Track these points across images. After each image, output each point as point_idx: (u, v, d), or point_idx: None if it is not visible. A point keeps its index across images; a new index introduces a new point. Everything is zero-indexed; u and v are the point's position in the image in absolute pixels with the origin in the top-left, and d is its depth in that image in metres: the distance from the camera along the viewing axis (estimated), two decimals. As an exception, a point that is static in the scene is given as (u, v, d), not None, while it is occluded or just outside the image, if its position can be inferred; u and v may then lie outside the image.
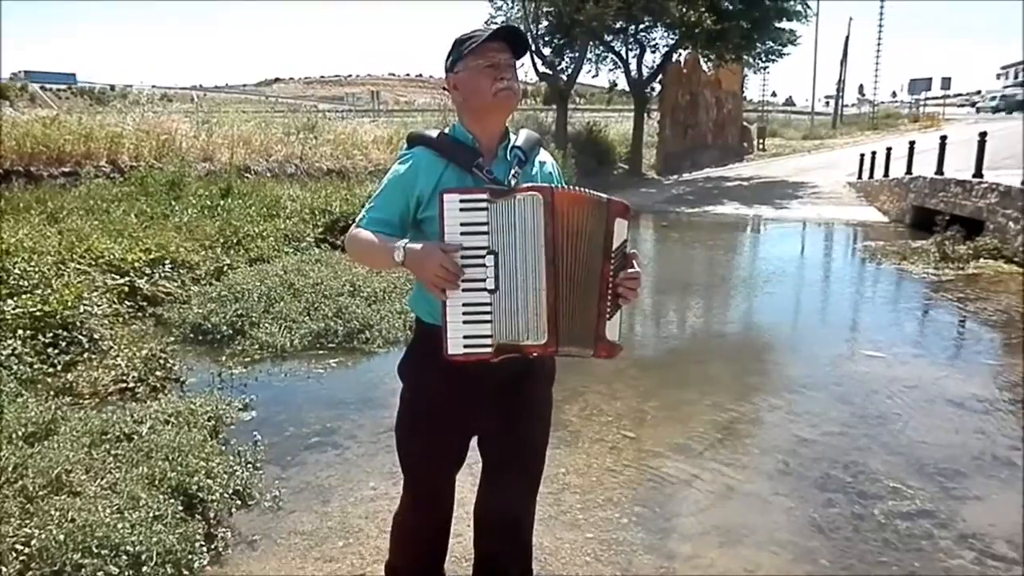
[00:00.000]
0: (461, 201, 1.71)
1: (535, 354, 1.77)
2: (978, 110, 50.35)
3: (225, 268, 6.70)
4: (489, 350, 1.74)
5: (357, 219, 1.91)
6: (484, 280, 1.72)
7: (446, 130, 1.96)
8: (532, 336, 1.74)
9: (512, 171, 1.86)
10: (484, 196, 1.72)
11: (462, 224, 1.71)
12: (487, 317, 1.73)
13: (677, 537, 3.02)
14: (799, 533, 3.06)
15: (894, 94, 75.82)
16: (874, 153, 16.73)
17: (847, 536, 3.03)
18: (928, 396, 4.64)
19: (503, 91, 1.83)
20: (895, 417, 4.31)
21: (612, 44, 21.42)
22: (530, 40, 18.89)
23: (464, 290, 1.71)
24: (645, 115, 22.52)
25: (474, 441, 2.09)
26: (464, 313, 1.71)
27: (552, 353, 1.79)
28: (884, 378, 4.97)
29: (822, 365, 5.33)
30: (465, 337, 1.72)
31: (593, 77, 23.90)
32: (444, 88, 1.97)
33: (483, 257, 1.71)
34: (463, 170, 1.84)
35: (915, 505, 3.26)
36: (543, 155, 2.02)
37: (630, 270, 1.81)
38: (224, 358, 5.06)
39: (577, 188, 1.83)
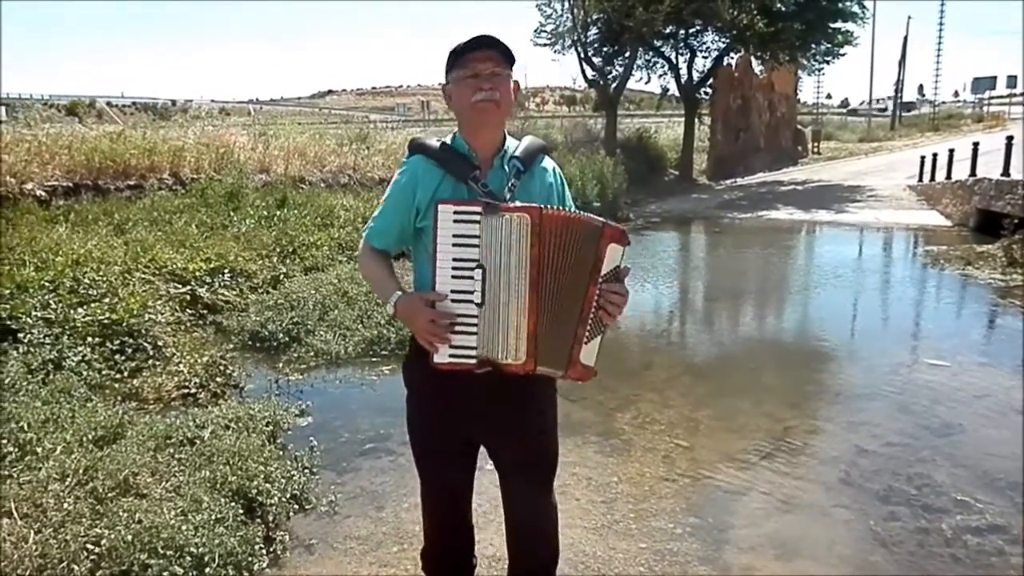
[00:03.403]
0: (455, 213, 1.74)
1: (513, 372, 1.78)
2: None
3: (281, 277, 6.85)
4: (473, 361, 1.78)
5: (364, 228, 2.01)
6: (472, 293, 1.75)
7: (447, 139, 1.97)
8: (512, 355, 1.76)
9: (509, 183, 1.87)
10: (477, 209, 1.74)
11: (454, 236, 1.74)
12: (473, 329, 1.76)
13: (732, 549, 2.98)
14: (860, 547, 2.98)
15: (956, 93, 73.48)
16: (935, 155, 16.20)
17: (911, 551, 2.94)
18: (997, 406, 4.46)
19: (481, 102, 1.82)
20: (961, 428, 4.16)
21: (662, 49, 21.24)
22: (579, 48, 19.10)
23: (454, 301, 1.75)
24: (696, 120, 22.24)
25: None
26: (451, 324, 1.76)
27: (530, 372, 1.79)
28: (949, 387, 4.81)
29: (882, 373, 5.18)
30: (451, 347, 1.77)
31: (646, 84, 23.75)
32: (448, 98, 1.97)
33: (472, 270, 1.74)
34: (458, 181, 1.87)
35: (985, 520, 3.14)
36: (546, 163, 2.02)
37: (614, 285, 1.80)
38: (281, 365, 5.18)
39: (572, 210, 1.84)
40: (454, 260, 1.75)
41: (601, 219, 1.80)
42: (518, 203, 1.79)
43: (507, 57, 1.85)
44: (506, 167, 1.91)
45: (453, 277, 1.75)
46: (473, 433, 2.03)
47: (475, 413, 1.94)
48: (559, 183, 2.02)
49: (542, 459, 2.11)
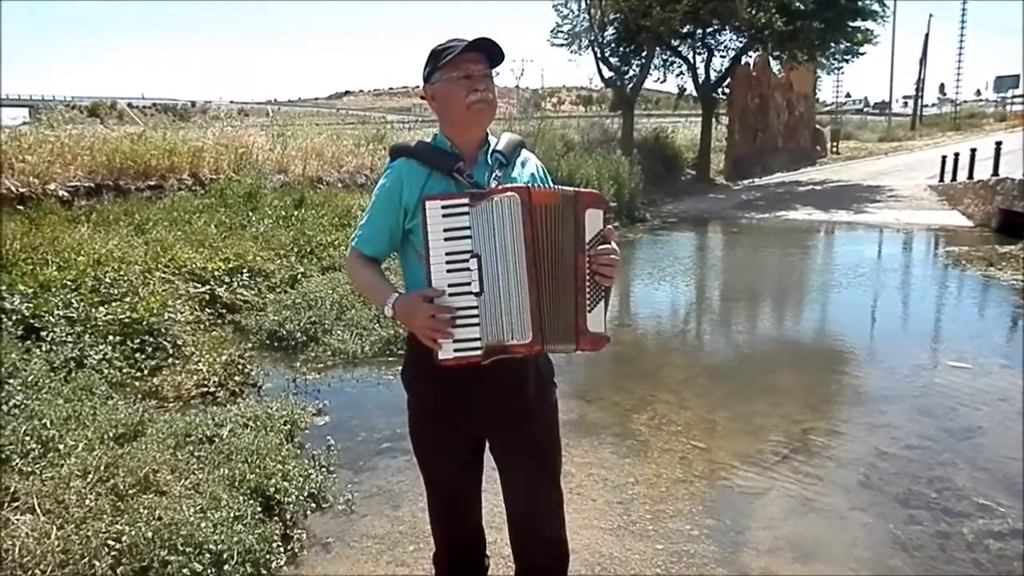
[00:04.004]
0: (443, 207, 1.74)
1: (521, 353, 1.77)
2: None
3: (299, 276, 6.89)
4: (478, 353, 1.75)
5: (352, 237, 1.99)
6: (470, 284, 1.73)
7: (427, 139, 1.99)
8: (517, 335, 1.74)
9: (493, 174, 1.89)
10: (465, 200, 1.75)
11: (445, 230, 1.74)
12: (475, 320, 1.74)
13: (750, 551, 2.96)
14: (879, 550, 2.95)
15: (978, 92, 72.54)
16: (957, 155, 16.02)
17: (931, 555, 2.91)
18: (1018, 409, 4.40)
19: (477, 103, 1.85)
20: (982, 431, 4.11)
21: (679, 49, 21.14)
22: (596, 48, 19.05)
23: (451, 295, 1.74)
24: (713, 119, 22.11)
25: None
26: (452, 317, 1.74)
27: (538, 351, 1.79)
28: (970, 390, 4.75)
29: (902, 375, 5.13)
30: (455, 341, 1.75)
31: (662, 83, 23.58)
32: (422, 98, 2.00)
33: (467, 261, 1.73)
34: (445, 176, 1.87)
35: (1007, 524, 3.11)
36: (525, 155, 2.04)
37: (602, 246, 1.80)
38: (298, 364, 5.21)
39: (552, 186, 1.89)
40: (447, 254, 1.74)
41: (573, 188, 1.83)
42: (506, 185, 1.82)
43: (494, 59, 1.89)
44: (489, 161, 1.93)
45: (448, 271, 1.74)
46: (477, 429, 2.02)
47: (478, 407, 1.93)
48: (541, 173, 2.05)
49: (548, 448, 2.08)
